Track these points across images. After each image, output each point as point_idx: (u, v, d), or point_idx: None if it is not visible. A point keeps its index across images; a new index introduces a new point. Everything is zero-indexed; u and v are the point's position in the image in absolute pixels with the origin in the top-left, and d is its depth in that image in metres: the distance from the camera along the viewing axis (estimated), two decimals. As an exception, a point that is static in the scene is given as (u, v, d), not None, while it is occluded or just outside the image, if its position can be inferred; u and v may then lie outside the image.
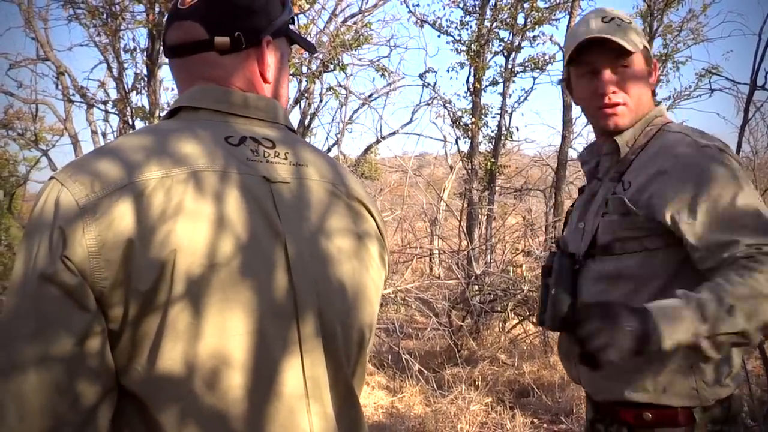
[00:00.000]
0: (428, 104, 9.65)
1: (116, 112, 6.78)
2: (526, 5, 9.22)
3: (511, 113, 10.21)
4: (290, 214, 1.04)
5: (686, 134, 1.60)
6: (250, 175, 1.03)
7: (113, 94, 7.14)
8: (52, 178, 0.97)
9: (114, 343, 0.94)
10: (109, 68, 6.82)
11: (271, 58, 1.15)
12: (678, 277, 1.53)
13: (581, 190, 1.87)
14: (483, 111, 9.92)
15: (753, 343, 1.39)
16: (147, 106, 6.30)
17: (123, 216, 0.92)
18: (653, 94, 1.72)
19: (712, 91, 9.98)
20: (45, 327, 0.89)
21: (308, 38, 6.80)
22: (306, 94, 7.35)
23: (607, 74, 1.67)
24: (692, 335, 1.32)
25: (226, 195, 0.99)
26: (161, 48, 1.19)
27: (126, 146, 1.00)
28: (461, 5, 9.77)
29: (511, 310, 7.12)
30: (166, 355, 0.92)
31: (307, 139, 7.28)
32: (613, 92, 1.67)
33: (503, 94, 9.94)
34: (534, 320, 7.20)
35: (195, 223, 0.95)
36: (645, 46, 1.69)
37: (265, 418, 0.97)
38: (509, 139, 10.28)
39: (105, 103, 7.23)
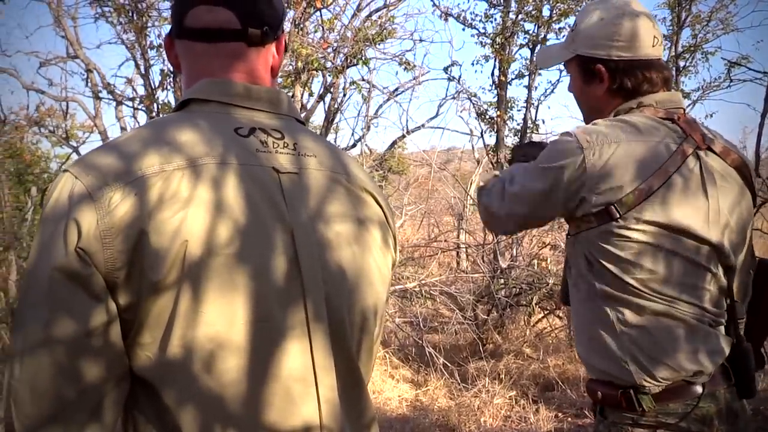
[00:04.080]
0: (454, 98, 9.59)
1: (143, 108, 6.85)
2: (551, -3, 9.14)
3: (538, 106, 10.11)
4: (298, 204, 1.06)
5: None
6: (259, 166, 1.05)
7: (141, 91, 7.21)
8: (65, 170, 1.00)
9: (125, 331, 0.97)
10: (136, 65, 6.88)
11: (279, 54, 1.19)
12: (589, 264, 1.65)
13: None
14: (508, 104, 9.86)
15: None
16: (172, 102, 6.36)
17: (135, 208, 0.94)
18: (625, 92, 1.75)
19: (732, 81, 9.82)
20: (58, 316, 0.92)
21: (332, 33, 6.81)
22: (331, 90, 7.36)
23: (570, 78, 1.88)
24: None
25: (236, 185, 1.01)
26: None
27: (137, 140, 1.02)
28: (486, -2, 9.71)
29: (536, 304, 7.09)
30: (175, 341, 0.95)
31: (332, 135, 7.30)
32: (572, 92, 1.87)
33: (529, 87, 9.85)
34: (560, 314, 7.18)
35: (205, 213, 0.97)
36: (579, 55, 1.78)
37: (262, 401, 0.99)
38: (535, 132, 10.19)
39: (132, 99, 7.30)
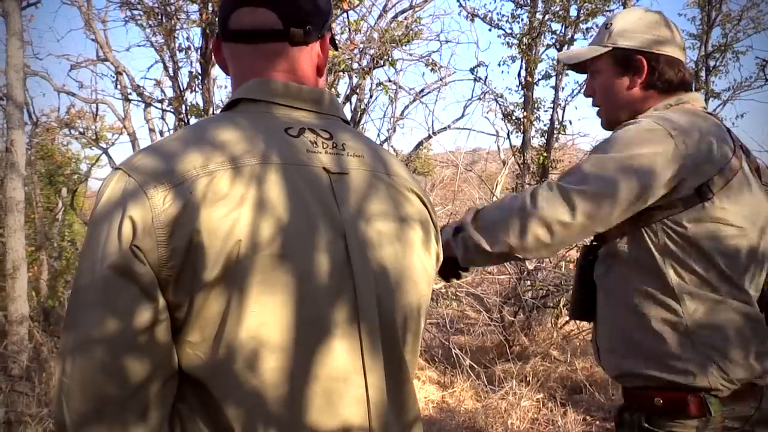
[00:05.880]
0: (480, 99, 9.57)
1: (172, 110, 6.92)
2: (579, -4, 9.08)
3: (565, 107, 10.06)
4: (346, 205, 1.07)
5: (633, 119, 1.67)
6: (309, 167, 1.06)
7: (169, 93, 7.29)
8: (118, 168, 1.00)
9: (175, 330, 0.97)
10: (165, 67, 6.96)
11: (324, 53, 1.19)
12: (664, 255, 1.58)
13: None
14: (535, 105, 9.81)
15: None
16: (201, 104, 6.42)
17: (188, 208, 0.95)
18: (661, 86, 1.74)
19: (766, 80, 9.68)
20: (111, 314, 0.92)
21: (359, 34, 6.83)
22: (357, 91, 7.37)
23: (587, 81, 1.84)
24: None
25: (284, 185, 1.01)
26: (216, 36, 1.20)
27: (182, 141, 1.03)
28: (513, -2, 9.69)
29: (563, 306, 7.04)
30: (225, 340, 0.96)
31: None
32: (590, 96, 1.84)
33: (556, 88, 9.80)
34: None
35: (257, 213, 0.98)
36: (620, 47, 1.74)
37: (302, 400, 0.99)
38: (562, 132, 10.13)
39: (161, 101, 7.38)
